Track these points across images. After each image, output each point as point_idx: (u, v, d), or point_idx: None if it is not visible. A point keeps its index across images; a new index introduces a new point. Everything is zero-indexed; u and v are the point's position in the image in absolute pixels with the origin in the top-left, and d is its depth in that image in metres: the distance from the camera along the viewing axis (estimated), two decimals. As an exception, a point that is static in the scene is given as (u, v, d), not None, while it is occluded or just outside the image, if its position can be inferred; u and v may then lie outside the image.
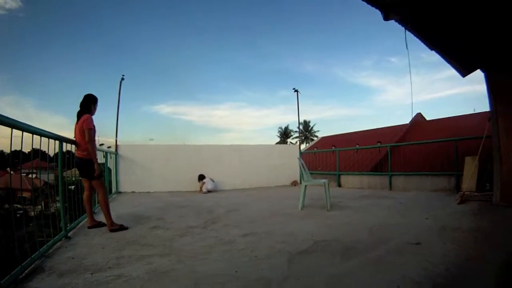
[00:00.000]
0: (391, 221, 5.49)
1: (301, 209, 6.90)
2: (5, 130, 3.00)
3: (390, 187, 10.73)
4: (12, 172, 5.59)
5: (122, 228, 5.17)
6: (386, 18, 4.62)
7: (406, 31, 5.24)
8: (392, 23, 4.78)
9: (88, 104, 5.32)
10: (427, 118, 20.83)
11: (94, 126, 5.20)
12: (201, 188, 11.73)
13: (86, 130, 5.01)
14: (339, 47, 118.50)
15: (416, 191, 9.49)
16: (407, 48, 5.70)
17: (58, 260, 3.59)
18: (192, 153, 12.83)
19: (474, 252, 3.70)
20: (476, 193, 7.12)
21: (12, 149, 3.27)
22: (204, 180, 11.88)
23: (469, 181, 7.59)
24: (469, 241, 4.09)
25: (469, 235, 4.38)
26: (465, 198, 6.89)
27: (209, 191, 11.54)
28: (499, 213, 5.67)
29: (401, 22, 4.93)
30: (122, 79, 11.92)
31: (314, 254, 3.83)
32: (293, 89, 14.45)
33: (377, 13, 4.56)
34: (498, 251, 3.73)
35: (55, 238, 4.21)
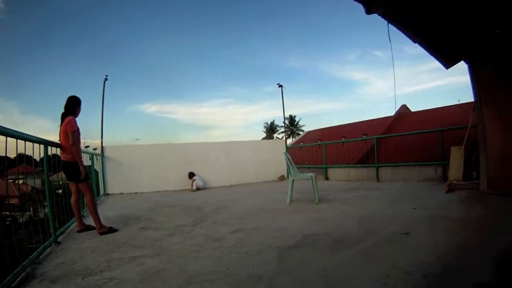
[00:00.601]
0: (379, 212, 5.56)
1: (289, 203, 6.95)
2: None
3: (378, 178, 10.84)
4: (-1, 180, 5.54)
5: (111, 230, 5.17)
6: (368, 12, 4.66)
7: (389, 24, 5.30)
8: (375, 16, 4.83)
9: (72, 106, 5.26)
10: (412, 110, 21.02)
11: (78, 128, 5.16)
12: (192, 185, 11.75)
13: (69, 132, 4.96)
14: (323, 42, 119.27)
15: (403, 182, 9.61)
16: (390, 41, 5.76)
17: (49, 266, 3.58)
18: (179, 151, 12.81)
19: (463, 240, 3.75)
20: (463, 182, 7.24)
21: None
22: (194, 177, 11.90)
23: (455, 170, 7.71)
24: (457, 230, 4.15)
25: (458, 223, 4.44)
26: (452, 187, 7.01)
27: (198, 189, 11.58)
28: (487, 201, 5.78)
29: (383, 15, 4.98)
30: (106, 79, 11.86)
31: (304, 248, 3.86)
32: (278, 84, 14.52)
33: (360, 7, 4.60)
34: (486, 238, 3.81)
35: (45, 244, 4.18)
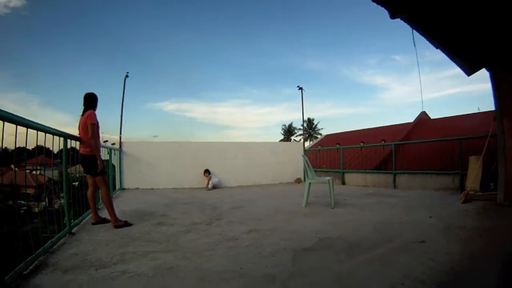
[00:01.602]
0: (395, 219, 5.46)
1: (305, 206, 6.88)
2: (10, 127, 2.99)
3: (394, 185, 10.67)
4: (16, 169, 5.56)
5: (126, 224, 5.16)
6: (393, 16, 4.59)
7: (412, 29, 5.22)
8: (397, 21, 4.75)
9: (92, 101, 5.34)
10: (432, 117, 20.76)
11: (97, 122, 5.21)
12: (208, 181, 11.78)
13: (89, 125, 5.02)
14: (344, 45, 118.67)
15: (420, 190, 9.44)
16: (414, 46, 5.70)
17: (62, 256, 3.58)
18: (196, 150, 12.83)
19: (479, 251, 3.68)
20: (480, 193, 7.06)
21: (17, 146, 3.26)
22: (210, 175, 11.93)
23: (473, 180, 7.52)
24: (473, 240, 4.06)
25: (474, 234, 4.34)
26: (469, 197, 6.84)
27: (214, 187, 11.58)
28: (503, 212, 5.63)
29: (407, 20, 4.91)
30: (127, 76, 11.98)
31: (319, 251, 3.81)
32: (298, 86, 14.43)
33: (382, 11, 4.53)
34: (502, 250, 3.71)
35: (59, 234, 4.19)
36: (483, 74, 6.79)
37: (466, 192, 7.05)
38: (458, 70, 6.90)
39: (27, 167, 4.35)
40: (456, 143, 9.22)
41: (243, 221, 5.58)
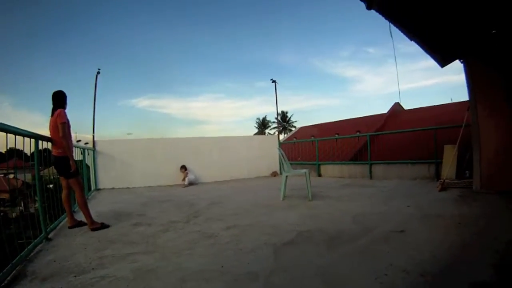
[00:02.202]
0: (374, 210, 5.55)
1: (283, 199, 6.94)
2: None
3: (371, 176, 10.84)
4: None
5: (103, 226, 5.10)
6: (369, 7, 4.63)
7: (388, 21, 5.28)
8: (371, 14, 4.79)
9: (61, 99, 5.21)
10: (405, 108, 21.09)
11: (68, 121, 5.08)
12: (184, 177, 11.69)
13: (59, 124, 4.88)
14: (317, 38, 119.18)
15: (396, 180, 9.62)
16: (391, 36, 5.79)
17: (40, 264, 3.52)
18: (171, 146, 12.68)
19: (458, 238, 3.76)
20: (456, 181, 7.27)
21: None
22: (186, 171, 11.87)
23: (448, 169, 7.73)
24: (452, 228, 4.16)
25: (452, 222, 4.45)
26: (446, 185, 7.02)
27: (190, 184, 11.51)
28: (480, 200, 5.78)
29: (382, 12, 4.95)
30: (98, 72, 11.70)
31: (300, 245, 3.85)
32: (271, 79, 14.42)
33: (355, 3, 4.56)
34: (481, 237, 3.80)
35: (35, 241, 4.10)
36: (456, 65, 6.96)
37: (442, 180, 7.23)
38: (430, 63, 7.15)
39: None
40: (431, 133, 9.42)
41: (222, 217, 5.58)
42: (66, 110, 5.21)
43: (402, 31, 5.59)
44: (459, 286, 2.59)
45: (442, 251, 3.33)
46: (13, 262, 3.28)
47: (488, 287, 2.56)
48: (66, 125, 4.97)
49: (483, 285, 2.59)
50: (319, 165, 12.94)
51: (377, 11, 4.85)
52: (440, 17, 5.21)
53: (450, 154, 7.98)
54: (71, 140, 5.33)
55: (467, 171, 7.53)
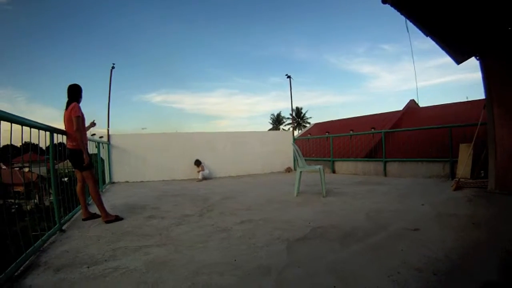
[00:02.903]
0: (388, 207, 5.48)
1: (296, 195, 6.89)
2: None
3: (385, 173, 10.72)
4: (4, 167, 5.49)
5: (117, 219, 5.11)
6: (384, 1, 4.56)
7: (402, 15, 5.19)
8: (386, 9, 4.72)
9: (76, 93, 5.21)
10: (420, 105, 20.84)
11: (82, 114, 5.11)
12: (199, 171, 11.76)
13: (73, 117, 4.89)
14: (332, 34, 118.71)
15: (411, 177, 9.50)
16: (408, 31, 5.66)
17: (53, 255, 3.53)
18: (185, 141, 12.73)
19: (472, 238, 3.69)
20: (470, 180, 7.13)
21: (3, 144, 3.18)
22: (201, 164, 11.91)
23: (463, 168, 7.60)
24: (466, 228, 4.08)
25: (466, 221, 4.36)
26: (460, 184, 6.88)
27: (204, 179, 11.53)
28: (494, 200, 5.68)
29: (397, 7, 4.87)
30: (113, 67, 11.78)
31: (313, 241, 3.81)
32: (286, 75, 14.31)
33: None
34: (495, 237, 3.73)
35: (49, 232, 4.12)
36: (472, 63, 6.82)
37: (457, 179, 7.10)
38: (445, 60, 7.01)
39: (15, 165, 4.25)
40: (446, 130, 9.27)
41: (235, 212, 5.56)
42: (81, 104, 5.23)
43: (418, 27, 5.50)
44: (471, 286, 2.56)
45: (455, 250, 3.27)
46: (27, 252, 3.30)
47: (499, 288, 2.52)
48: (80, 119, 4.97)
49: (495, 285, 2.56)
50: (333, 161, 12.83)
51: (392, 5, 4.76)
52: (457, 13, 5.10)
53: (465, 153, 7.85)
54: (85, 134, 5.35)
55: (482, 171, 7.40)
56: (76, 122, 4.88)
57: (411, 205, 5.58)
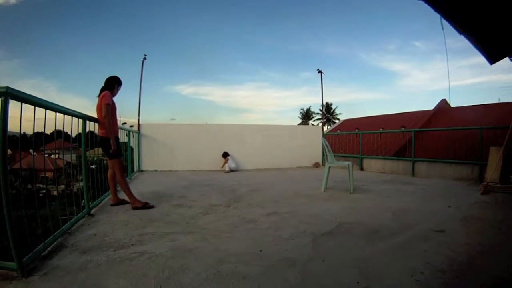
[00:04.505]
0: (414, 207, 5.38)
1: (324, 190, 6.82)
2: (29, 113, 2.96)
3: (413, 173, 10.49)
4: (35, 153, 5.60)
5: (145, 206, 5.15)
6: None
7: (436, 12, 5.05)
8: (419, 6, 4.59)
9: (112, 83, 5.28)
10: (452, 105, 20.44)
11: (113, 103, 5.17)
12: (224, 164, 11.79)
13: (103, 105, 4.95)
14: (363, 30, 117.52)
15: (438, 179, 9.28)
16: (442, 28, 5.50)
17: (81, 237, 3.58)
18: (214, 132, 12.78)
19: (497, 243, 3.61)
20: (499, 185, 6.90)
21: (35, 131, 3.22)
22: (228, 157, 11.92)
23: (493, 172, 7.37)
24: (492, 232, 3.98)
25: (492, 226, 4.26)
26: (488, 188, 6.68)
27: (231, 170, 11.57)
28: (522, 207, 5.49)
29: (430, 3, 4.73)
30: (144, 58, 11.94)
31: (338, 236, 3.78)
32: (317, 70, 14.12)
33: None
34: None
35: (77, 216, 4.20)
36: (506, 64, 6.61)
37: (485, 183, 6.89)
38: (478, 60, 6.77)
39: (45, 151, 4.32)
40: (477, 132, 9.01)
41: (262, 204, 5.55)
42: (118, 95, 5.31)
43: (452, 24, 5.33)
44: None
45: (479, 255, 3.20)
46: (55, 234, 3.35)
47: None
48: (109, 107, 5.01)
49: None
50: (362, 158, 12.67)
51: (425, 2, 4.63)
52: (493, 11, 4.92)
53: (495, 157, 7.60)
54: (116, 123, 5.40)
55: (511, 176, 7.18)
56: (105, 109, 4.93)
57: (437, 206, 5.45)
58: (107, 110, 4.96)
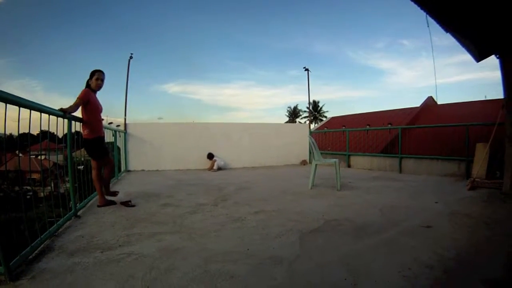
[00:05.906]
0: (401, 203, 5.45)
1: (311, 188, 6.86)
2: (13, 113, 2.95)
3: (400, 169, 10.57)
4: (21, 155, 5.55)
5: (112, 204, 5.28)
6: None
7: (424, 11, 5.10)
8: (406, 4, 4.65)
9: (89, 78, 5.24)
10: (438, 102, 20.64)
11: (88, 100, 5.04)
12: (212, 166, 11.73)
13: (76, 99, 4.88)
14: (350, 28, 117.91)
15: (426, 175, 9.38)
16: (428, 26, 5.57)
17: (68, 239, 3.57)
18: (201, 131, 12.73)
19: (484, 238, 3.66)
20: (486, 180, 7.00)
21: (20, 132, 3.20)
22: (215, 158, 11.90)
23: (479, 167, 7.48)
24: (479, 227, 4.04)
25: (479, 221, 4.31)
26: (475, 184, 6.78)
27: (219, 169, 11.59)
28: (509, 201, 5.57)
29: (418, 2, 4.78)
30: (131, 57, 11.87)
31: (326, 233, 3.81)
32: (304, 68, 14.17)
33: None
34: (507, 238, 3.68)
35: (64, 217, 4.17)
36: (492, 62, 6.68)
37: (472, 179, 6.98)
38: (465, 58, 6.87)
39: (31, 153, 4.27)
40: (463, 129, 9.11)
41: (249, 202, 5.57)
42: (100, 92, 5.35)
43: (438, 22, 5.38)
44: (481, 285, 2.53)
45: (467, 249, 3.27)
46: (42, 236, 3.34)
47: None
48: (80, 101, 4.90)
49: (505, 284, 2.57)
50: (349, 156, 12.72)
51: (412, 0, 4.68)
52: (479, 10, 4.98)
53: (481, 153, 7.71)
54: (101, 123, 5.41)
55: (497, 172, 7.29)
56: (74, 102, 4.82)
57: (424, 202, 5.54)
58: (75, 103, 4.82)
